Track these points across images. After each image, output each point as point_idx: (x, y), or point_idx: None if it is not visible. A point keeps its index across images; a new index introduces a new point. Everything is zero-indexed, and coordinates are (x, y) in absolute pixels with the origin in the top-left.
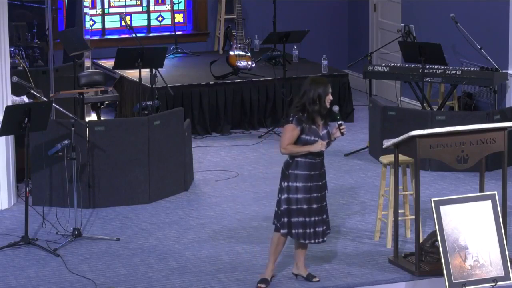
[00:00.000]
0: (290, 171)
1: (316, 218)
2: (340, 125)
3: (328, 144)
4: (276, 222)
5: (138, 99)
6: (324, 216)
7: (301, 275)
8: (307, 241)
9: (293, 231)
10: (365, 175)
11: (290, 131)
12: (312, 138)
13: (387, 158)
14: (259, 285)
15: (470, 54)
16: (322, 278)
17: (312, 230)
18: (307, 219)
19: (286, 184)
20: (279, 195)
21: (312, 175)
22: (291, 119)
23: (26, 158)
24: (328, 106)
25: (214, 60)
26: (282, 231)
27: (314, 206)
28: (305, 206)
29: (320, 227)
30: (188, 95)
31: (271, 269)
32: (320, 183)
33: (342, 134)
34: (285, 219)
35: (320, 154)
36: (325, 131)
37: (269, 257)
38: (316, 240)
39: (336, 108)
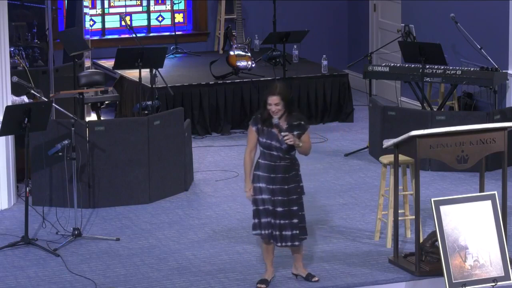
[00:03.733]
0: (254, 172)
1: (282, 222)
2: (283, 136)
3: (291, 149)
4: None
5: (138, 99)
6: (294, 221)
7: (300, 275)
8: (276, 243)
9: (263, 231)
10: (365, 175)
11: (249, 132)
12: (264, 140)
13: (387, 158)
14: (258, 285)
15: (470, 54)
16: (322, 278)
17: (278, 232)
18: (273, 221)
19: (253, 184)
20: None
21: (274, 178)
22: (250, 120)
23: (26, 158)
24: (271, 114)
25: (214, 60)
26: (253, 232)
27: (279, 209)
28: (270, 207)
29: (288, 231)
30: (188, 95)
31: (271, 271)
32: (286, 187)
33: (286, 144)
34: (256, 220)
35: (281, 158)
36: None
37: (265, 261)
38: (283, 244)
39: (275, 121)
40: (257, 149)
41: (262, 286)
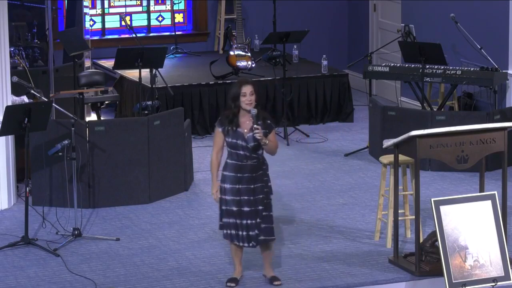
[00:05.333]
0: (222, 172)
1: (249, 222)
2: (255, 128)
3: (257, 147)
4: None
5: (138, 99)
6: (259, 220)
7: (266, 276)
8: (241, 244)
9: (225, 231)
10: (365, 175)
11: (216, 133)
12: (230, 140)
13: (387, 158)
14: (228, 283)
15: (470, 54)
16: (322, 278)
17: (245, 233)
18: (238, 221)
19: (220, 184)
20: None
21: (240, 178)
22: (216, 122)
23: (26, 158)
24: (246, 107)
25: (214, 60)
26: (221, 231)
27: (246, 209)
28: (234, 208)
29: (253, 231)
30: (188, 95)
31: (239, 270)
32: (252, 186)
33: (257, 138)
34: (221, 221)
35: (248, 157)
36: (251, 134)
37: (233, 260)
38: (251, 244)
39: (253, 111)
40: (224, 151)
41: (232, 284)
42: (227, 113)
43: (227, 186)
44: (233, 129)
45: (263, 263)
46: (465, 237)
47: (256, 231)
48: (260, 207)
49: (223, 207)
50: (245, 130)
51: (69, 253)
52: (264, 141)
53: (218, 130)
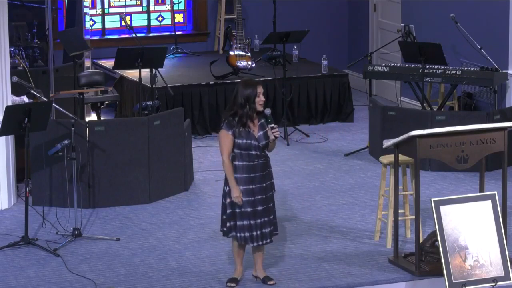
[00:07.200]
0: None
1: (262, 220)
2: (272, 128)
3: (267, 146)
4: (222, 228)
5: (138, 99)
6: (271, 217)
7: (258, 277)
8: (254, 244)
9: (239, 234)
10: (365, 175)
11: (224, 137)
12: (244, 141)
13: (387, 158)
14: (228, 283)
15: (470, 54)
16: (322, 278)
17: (258, 232)
18: (253, 222)
19: (228, 188)
20: (223, 200)
21: (253, 177)
22: (222, 124)
23: (26, 158)
24: (259, 108)
25: (214, 60)
26: (230, 234)
27: (259, 208)
28: (249, 209)
29: (267, 228)
30: (188, 95)
31: (240, 270)
32: (264, 185)
33: (275, 137)
34: (231, 223)
35: (259, 156)
36: (261, 133)
37: (235, 260)
38: (264, 242)
39: (267, 111)
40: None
41: (232, 284)
42: (237, 114)
43: (241, 188)
44: (246, 130)
45: (255, 263)
46: (465, 237)
47: (271, 228)
48: (271, 204)
49: (237, 210)
50: (255, 130)
51: (69, 253)
52: (271, 139)
53: (228, 133)
